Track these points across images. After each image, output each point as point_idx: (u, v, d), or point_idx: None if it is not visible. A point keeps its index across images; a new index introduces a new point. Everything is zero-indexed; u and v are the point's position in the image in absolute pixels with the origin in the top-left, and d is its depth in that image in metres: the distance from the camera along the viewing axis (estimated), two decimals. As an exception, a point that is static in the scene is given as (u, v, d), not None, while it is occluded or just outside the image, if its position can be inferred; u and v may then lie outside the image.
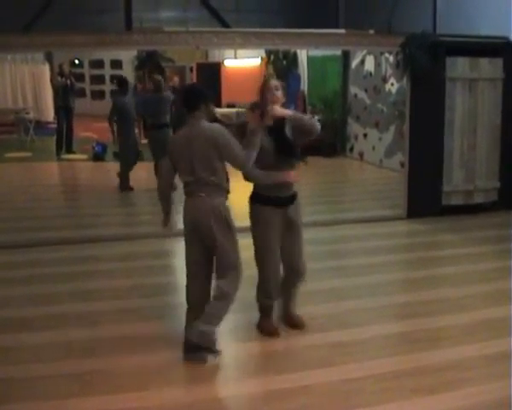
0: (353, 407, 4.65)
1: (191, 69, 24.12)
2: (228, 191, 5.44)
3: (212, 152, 5.22)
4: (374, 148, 15.98)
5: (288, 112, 5.39)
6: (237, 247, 5.44)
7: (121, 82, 13.09)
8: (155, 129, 12.55)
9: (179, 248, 9.06)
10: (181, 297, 6.96)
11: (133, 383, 4.99)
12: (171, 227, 6.02)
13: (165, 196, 5.67)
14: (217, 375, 5.25)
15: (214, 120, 5.51)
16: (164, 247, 9.04)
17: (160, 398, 4.75)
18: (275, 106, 5.33)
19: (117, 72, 27.41)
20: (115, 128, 12.58)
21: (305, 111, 18.75)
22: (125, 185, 12.50)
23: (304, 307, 6.26)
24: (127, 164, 12.50)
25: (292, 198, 5.66)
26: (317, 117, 15.08)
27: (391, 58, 14.36)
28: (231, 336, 5.78)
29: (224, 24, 9.99)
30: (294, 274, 5.79)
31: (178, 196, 5.66)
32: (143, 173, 12.87)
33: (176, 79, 16.20)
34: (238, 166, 5.33)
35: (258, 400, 4.81)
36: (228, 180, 5.43)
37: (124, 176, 12.51)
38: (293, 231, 5.69)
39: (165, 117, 12.50)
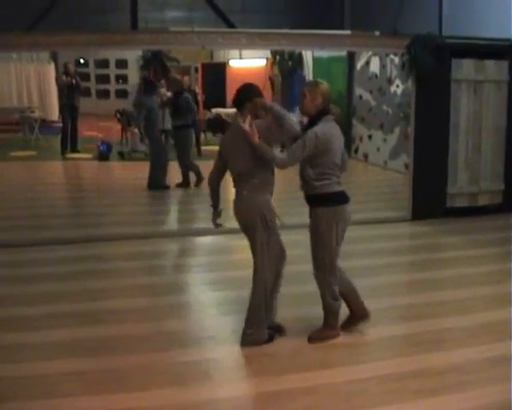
0: (356, 407, 4.65)
1: (196, 69, 24.19)
2: (272, 189, 5.53)
3: (251, 148, 5.31)
4: (378, 149, 15.97)
5: (252, 138, 5.26)
6: (271, 248, 5.51)
7: (146, 82, 13.19)
8: (178, 129, 12.69)
9: (183, 248, 9.12)
10: (184, 297, 7.01)
11: (136, 382, 4.99)
12: (219, 225, 5.96)
13: (212, 191, 5.82)
14: (219, 375, 5.25)
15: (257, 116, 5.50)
16: (167, 246, 9.06)
17: (162, 398, 4.75)
18: (248, 125, 5.27)
19: (122, 71, 27.53)
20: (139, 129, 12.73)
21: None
22: (161, 183, 12.66)
23: (307, 309, 6.27)
24: (160, 163, 12.59)
25: (310, 199, 5.65)
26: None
27: (396, 59, 14.34)
28: (233, 337, 5.78)
29: (230, 24, 10.00)
30: None
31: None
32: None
33: (186, 79, 16.23)
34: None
35: (261, 400, 4.81)
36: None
37: (160, 174, 12.64)
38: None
39: (187, 117, 12.66)
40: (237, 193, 5.55)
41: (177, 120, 12.78)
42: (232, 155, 5.53)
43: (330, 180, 5.57)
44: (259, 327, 5.61)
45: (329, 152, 5.51)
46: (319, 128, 5.46)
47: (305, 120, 5.73)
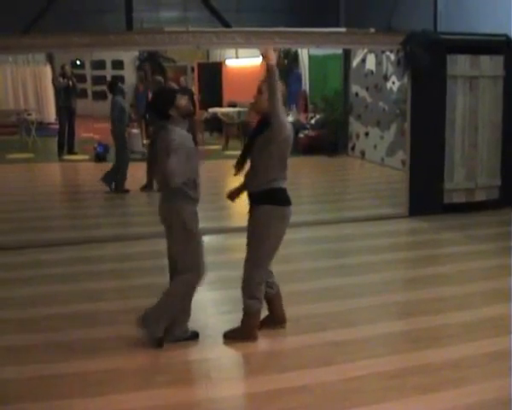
0: (354, 405, 4.65)
1: (192, 69, 24.20)
2: (192, 197, 5.46)
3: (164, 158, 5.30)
4: (375, 146, 15.97)
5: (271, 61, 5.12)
6: (194, 252, 5.57)
7: (112, 82, 13.16)
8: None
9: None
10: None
11: (134, 382, 5.00)
12: None
13: None
14: (216, 375, 5.25)
15: (189, 113, 5.54)
16: (164, 247, 9.04)
17: (161, 398, 4.76)
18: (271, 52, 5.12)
19: (118, 72, 27.52)
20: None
21: (306, 111, 18.80)
22: (122, 187, 12.56)
23: (305, 306, 6.29)
24: (125, 166, 12.53)
25: (252, 197, 5.58)
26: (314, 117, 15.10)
27: (392, 56, 14.36)
28: (232, 336, 5.79)
29: (225, 23, 10.00)
30: None
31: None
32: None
33: (182, 79, 16.21)
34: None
35: (259, 399, 4.81)
36: (195, 187, 5.46)
37: (123, 177, 12.56)
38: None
39: None
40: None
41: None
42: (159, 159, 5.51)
43: (284, 179, 5.52)
44: (160, 322, 5.57)
45: (289, 147, 5.46)
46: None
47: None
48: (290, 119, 17.78)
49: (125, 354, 5.50)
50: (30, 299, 6.82)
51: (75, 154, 17.20)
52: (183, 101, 5.48)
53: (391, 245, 9.07)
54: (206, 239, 9.07)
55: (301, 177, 14.38)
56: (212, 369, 5.31)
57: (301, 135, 16.78)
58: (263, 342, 5.66)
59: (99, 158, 16.20)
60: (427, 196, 10.27)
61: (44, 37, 8.75)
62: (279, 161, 5.40)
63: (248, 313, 5.66)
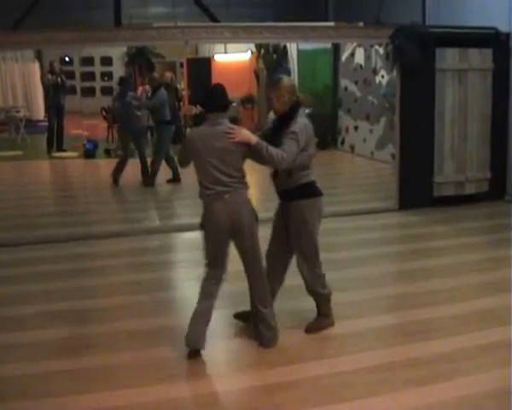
0: (345, 399, 4.65)
1: (181, 64, 24.12)
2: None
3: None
4: (365, 140, 15.98)
5: (251, 140, 5.19)
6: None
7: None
8: (159, 126, 12.70)
9: (170, 244, 9.10)
10: (173, 293, 7.00)
11: (129, 379, 4.98)
12: None
13: None
14: (208, 370, 5.25)
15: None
16: (154, 243, 9.03)
17: (153, 394, 4.75)
18: (243, 130, 5.23)
19: (107, 68, 27.42)
20: None
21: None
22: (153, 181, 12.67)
23: (295, 301, 6.27)
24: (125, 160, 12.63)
25: (291, 192, 5.63)
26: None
27: (381, 50, 14.35)
28: (221, 332, 5.78)
29: (213, 19, 9.96)
30: None
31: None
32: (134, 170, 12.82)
33: (168, 75, 16.09)
34: None
35: (250, 394, 4.82)
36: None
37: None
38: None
39: (163, 113, 12.59)
40: (220, 193, 5.29)
41: (155, 116, 12.84)
42: (210, 156, 5.22)
43: (309, 170, 5.70)
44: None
45: (311, 143, 5.62)
46: (302, 120, 5.49)
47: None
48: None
49: (115, 351, 5.49)
50: (20, 296, 6.80)
51: (64, 151, 17.11)
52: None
53: (381, 239, 9.07)
54: (195, 235, 9.12)
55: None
56: (203, 365, 5.30)
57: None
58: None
59: (88, 155, 16.14)
60: (416, 189, 10.29)
61: (33, 33, 8.71)
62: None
63: (327, 300, 5.85)
